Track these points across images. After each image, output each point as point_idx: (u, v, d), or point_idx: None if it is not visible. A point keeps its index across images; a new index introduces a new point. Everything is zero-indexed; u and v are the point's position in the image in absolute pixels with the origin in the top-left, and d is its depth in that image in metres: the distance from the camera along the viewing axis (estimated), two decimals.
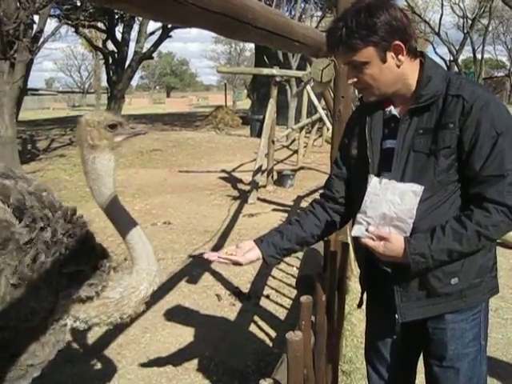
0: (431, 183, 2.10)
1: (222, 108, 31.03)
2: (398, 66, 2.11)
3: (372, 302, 2.60)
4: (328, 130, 12.84)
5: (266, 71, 12.82)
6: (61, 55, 69.50)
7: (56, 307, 2.29)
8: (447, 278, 2.17)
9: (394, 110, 2.25)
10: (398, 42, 2.06)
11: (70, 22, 23.38)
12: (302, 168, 14.42)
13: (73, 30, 27.77)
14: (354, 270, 6.35)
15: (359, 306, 2.70)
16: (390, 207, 2.09)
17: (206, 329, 5.04)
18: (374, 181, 2.14)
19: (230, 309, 5.54)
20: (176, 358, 4.52)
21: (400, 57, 2.09)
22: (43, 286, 2.21)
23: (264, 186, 11.94)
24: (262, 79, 23.77)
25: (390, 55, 2.08)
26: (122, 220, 2.40)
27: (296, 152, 16.10)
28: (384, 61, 2.08)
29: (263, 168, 12.17)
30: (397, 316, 2.29)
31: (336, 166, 2.53)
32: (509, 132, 2.05)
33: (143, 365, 4.41)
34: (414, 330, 2.39)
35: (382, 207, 2.10)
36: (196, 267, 6.68)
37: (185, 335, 4.91)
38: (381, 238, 2.10)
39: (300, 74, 12.71)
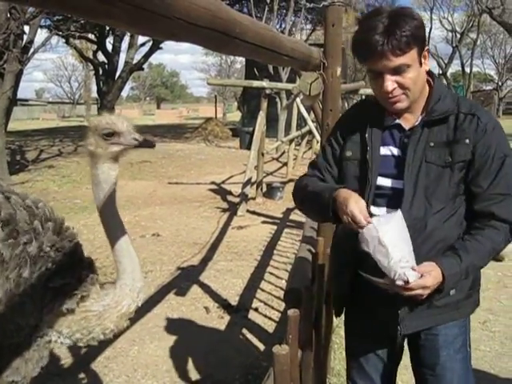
0: (445, 194, 2.18)
1: (212, 120, 31.08)
2: (425, 72, 2.22)
3: (357, 315, 2.59)
4: (317, 142, 12.88)
5: (256, 84, 12.85)
6: (51, 66, 69.38)
7: (41, 323, 2.25)
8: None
9: (398, 120, 2.29)
10: (427, 47, 2.20)
11: (60, 33, 23.41)
12: (291, 180, 14.41)
13: (63, 40, 27.84)
14: None
15: (338, 315, 2.74)
16: (402, 238, 2.08)
17: (194, 341, 5.02)
18: (379, 227, 2.06)
19: (218, 321, 5.52)
20: (164, 371, 4.49)
21: (427, 61, 2.21)
22: (28, 302, 2.17)
23: (253, 198, 11.94)
24: (253, 91, 23.82)
25: (422, 60, 2.17)
26: (113, 231, 2.33)
27: (285, 164, 16.12)
28: (420, 64, 2.16)
29: (253, 180, 12.17)
30: (399, 328, 2.29)
31: (326, 163, 2.47)
32: (511, 154, 2.18)
33: (131, 378, 4.38)
34: (401, 342, 2.45)
35: (401, 244, 2.07)
36: (184, 279, 6.66)
37: (173, 348, 4.89)
38: (426, 272, 2.08)
39: (290, 86, 12.77)
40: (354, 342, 2.63)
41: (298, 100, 14.16)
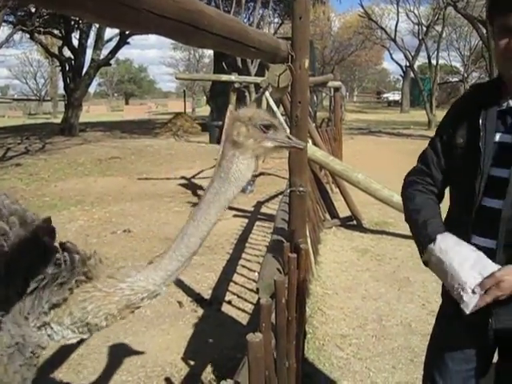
0: None
1: (181, 115, 30.95)
2: None
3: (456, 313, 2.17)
4: None
5: (224, 77, 12.85)
6: (16, 62, 68.30)
7: (26, 337, 2.05)
8: None
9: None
10: None
11: (24, 29, 23.04)
12: (261, 174, 14.45)
13: (28, 36, 27.36)
14: (315, 273, 6.42)
15: None
16: (455, 259, 2.03)
17: (168, 336, 5.03)
18: (431, 256, 2.08)
19: (191, 315, 5.52)
20: (138, 366, 4.49)
21: None
22: (2, 321, 1.97)
23: None
24: (221, 86, 23.73)
25: None
26: (196, 236, 2.09)
27: None
28: None
29: None
30: (490, 320, 2.12)
31: (434, 154, 2.35)
32: None
33: (105, 375, 4.36)
34: (493, 346, 2.26)
35: (463, 265, 2.01)
36: None
37: (147, 343, 4.88)
38: (494, 284, 1.95)
39: (259, 80, 12.78)
40: (442, 335, 2.42)
41: (266, 93, 14.17)
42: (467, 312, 1.98)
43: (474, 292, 1.96)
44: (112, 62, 30.76)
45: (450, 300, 2.09)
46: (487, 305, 1.99)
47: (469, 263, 2.01)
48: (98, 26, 26.84)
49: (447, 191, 2.43)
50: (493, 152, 2.10)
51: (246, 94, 24.17)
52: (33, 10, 22.47)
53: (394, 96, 66.63)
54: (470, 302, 1.98)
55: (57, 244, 2.19)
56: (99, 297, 2.10)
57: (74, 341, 2.19)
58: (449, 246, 2.06)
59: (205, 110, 45.22)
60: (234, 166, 2.02)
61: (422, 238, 2.18)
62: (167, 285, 2.14)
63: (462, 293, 1.99)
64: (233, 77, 12.39)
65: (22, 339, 2.02)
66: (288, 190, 4.35)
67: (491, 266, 1.99)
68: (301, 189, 3.95)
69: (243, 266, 6.94)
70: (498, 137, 2.12)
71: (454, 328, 2.31)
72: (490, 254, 2.04)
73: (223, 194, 2.05)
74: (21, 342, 2.01)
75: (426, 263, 2.20)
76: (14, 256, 2.04)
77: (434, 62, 37.61)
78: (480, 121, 2.13)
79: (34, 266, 2.06)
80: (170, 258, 2.09)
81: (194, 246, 2.06)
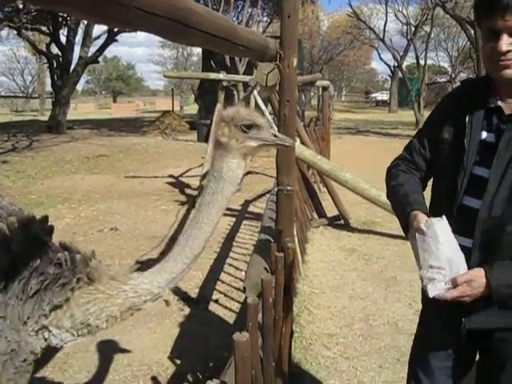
0: None
1: (169, 113, 30.85)
2: None
3: (432, 312, 2.39)
4: None
5: (213, 76, 12.82)
6: (2, 58, 67.50)
7: (21, 343, 2.01)
8: None
9: (500, 102, 2.13)
10: None
11: (12, 25, 22.86)
12: (249, 172, 14.43)
13: (15, 32, 27.13)
14: (302, 272, 6.43)
15: None
16: (448, 247, 2.03)
17: (154, 335, 5.01)
18: (417, 234, 2.08)
19: (178, 314, 5.51)
20: (125, 365, 4.47)
21: None
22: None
23: None
24: (210, 84, 23.68)
25: None
26: (199, 238, 2.08)
27: None
28: None
29: None
30: (463, 320, 2.16)
31: (420, 144, 2.38)
32: None
33: (91, 373, 4.34)
34: (472, 344, 2.27)
35: (442, 251, 2.02)
36: None
37: (133, 342, 4.86)
38: (465, 282, 1.99)
39: (247, 78, 12.77)
40: (424, 334, 2.48)
41: (255, 92, 14.15)
42: (429, 295, 2.02)
43: (445, 283, 2.01)
44: (100, 59, 30.62)
45: (430, 299, 2.10)
46: (455, 304, 2.04)
47: (456, 253, 2.03)
48: (86, 23, 26.71)
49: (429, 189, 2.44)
50: (477, 150, 2.13)
51: (235, 92, 24.11)
52: (20, 6, 22.32)
53: (383, 96, 66.84)
54: (437, 289, 2.02)
55: (57, 243, 2.16)
56: (102, 299, 2.08)
57: (71, 344, 2.17)
58: (444, 227, 2.05)
59: (193, 109, 45.10)
60: (225, 166, 2.04)
61: (404, 205, 2.22)
62: (170, 287, 2.15)
63: (435, 275, 2.02)
64: (221, 75, 12.38)
65: (17, 346, 1.98)
66: (275, 189, 4.34)
67: (465, 267, 2.03)
68: (288, 188, 3.95)
69: (230, 265, 6.94)
70: (483, 135, 2.14)
71: (434, 327, 2.37)
72: (467, 252, 2.07)
73: (220, 193, 2.07)
74: (15, 350, 1.98)
75: (405, 231, 2.23)
76: (15, 258, 2.00)
77: (422, 62, 37.78)
78: (467, 118, 2.16)
79: (35, 266, 2.02)
80: (174, 260, 2.09)
81: (198, 248, 2.08)
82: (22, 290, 1.98)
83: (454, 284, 1.99)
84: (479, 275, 1.98)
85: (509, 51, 1.97)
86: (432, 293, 2.02)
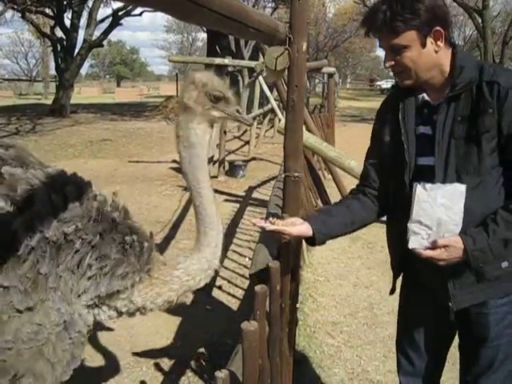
0: (477, 168, 2.16)
1: (173, 98, 30.70)
2: (436, 52, 2.18)
3: (410, 290, 2.64)
4: (279, 120, 12.84)
5: (218, 61, 12.77)
6: (6, 41, 67.44)
7: (75, 316, 2.01)
8: (497, 261, 2.22)
9: (426, 97, 2.30)
10: (438, 28, 2.14)
11: (16, 7, 22.71)
12: (253, 159, 14.39)
13: (19, 15, 26.94)
14: (307, 260, 6.39)
15: (391, 292, 2.78)
16: (443, 211, 2.15)
17: (157, 320, 4.98)
18: (419, 188, 2.18)
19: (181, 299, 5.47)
20: (127, 351, 4.45)
21: (439, 43, 2.17)
22: (51, 299, 1.92)
23: (215, 177, 11.86)
24: (214, 70, 23.63)
25: (429, 40, 2.15)
26: (205, 199, 2.15)
27: (247, 143, 16.06)
28: (424, 45, 2.15)
29: (215, 159, 12.12)
30: (450, 304, 2.31)
31: (370, 156, 2.57)
32: None
33: (93, 358, 4.31)
34: (453, 319, 2.40)
35: (435, 213, 2.16)
36: None
37: (136, 327, 4.84)
38: (443, 246, 2.15)
39: (252, 64, 12.69)
40: (409, 314, 2.68)
41: (260, 78, 14.07)
42: (409, 246, 2.21)
43: (428, 242, 2.19)
44: (104, 43, 30.42)
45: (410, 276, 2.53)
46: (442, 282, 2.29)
47: (451, 219, 2.16)
48: (90, 6, 26.55)
49: None
50: (416, 143, 2.31)
51: (239, 78, 24.07)
52: None
53: (387, 84, 66.47)
54: (418, 243, 2.20)
55: (125, 224, 2.20)
56: (158, 284, 2.15)
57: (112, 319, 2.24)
58: (451, 194, 2.17)
59: None
60: (192, 132, 2.12)
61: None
62: (219, 258, 2.22)
63: (421, 231, 2.19)
64: (226, 60, 12.33)
65: (70, 317, 1.98)
66: (282, 175, 4.28)
67: (451, 234, 2.19)
68: (296, 174, 3.88)
69: (234, 251, 6.90)
70: (420, 130, 2.32)
71: (414, 304, 2.62)
72: None
73: (196, 157, 2.15)
74: (68, 321, 1.98)
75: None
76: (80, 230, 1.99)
77: None
78: (399, 116, 2.34)
79: (94, 244, 2.00)
80: (204, 233, 2.16)
81: (212, 212, 2.16)
82: (76, 265, 1.96)
83: (433, 246, 2.17)
84: (457, 241, 2.15)
85: (392, 66, 2.22)
86: (412, 245, 2.21)
